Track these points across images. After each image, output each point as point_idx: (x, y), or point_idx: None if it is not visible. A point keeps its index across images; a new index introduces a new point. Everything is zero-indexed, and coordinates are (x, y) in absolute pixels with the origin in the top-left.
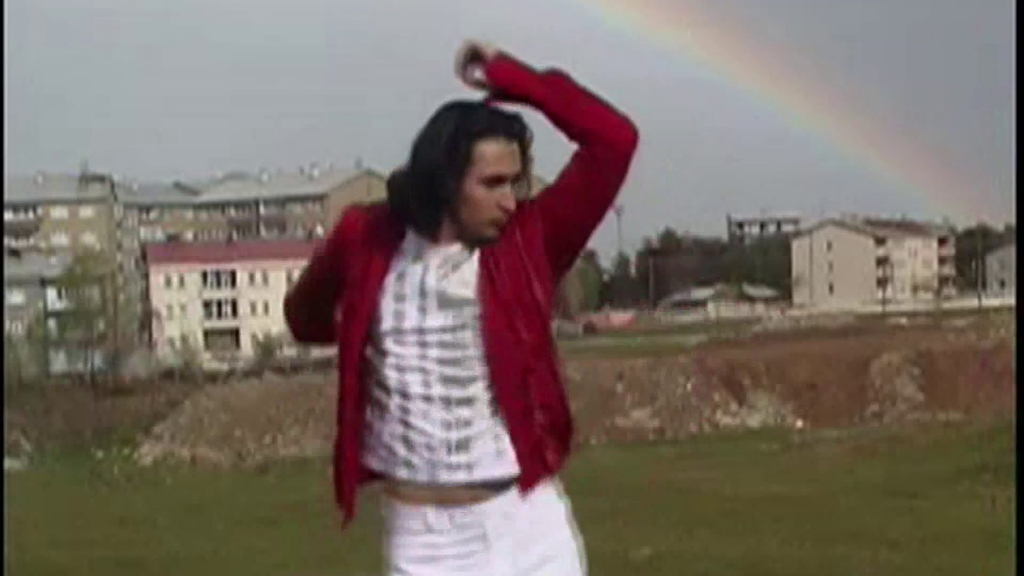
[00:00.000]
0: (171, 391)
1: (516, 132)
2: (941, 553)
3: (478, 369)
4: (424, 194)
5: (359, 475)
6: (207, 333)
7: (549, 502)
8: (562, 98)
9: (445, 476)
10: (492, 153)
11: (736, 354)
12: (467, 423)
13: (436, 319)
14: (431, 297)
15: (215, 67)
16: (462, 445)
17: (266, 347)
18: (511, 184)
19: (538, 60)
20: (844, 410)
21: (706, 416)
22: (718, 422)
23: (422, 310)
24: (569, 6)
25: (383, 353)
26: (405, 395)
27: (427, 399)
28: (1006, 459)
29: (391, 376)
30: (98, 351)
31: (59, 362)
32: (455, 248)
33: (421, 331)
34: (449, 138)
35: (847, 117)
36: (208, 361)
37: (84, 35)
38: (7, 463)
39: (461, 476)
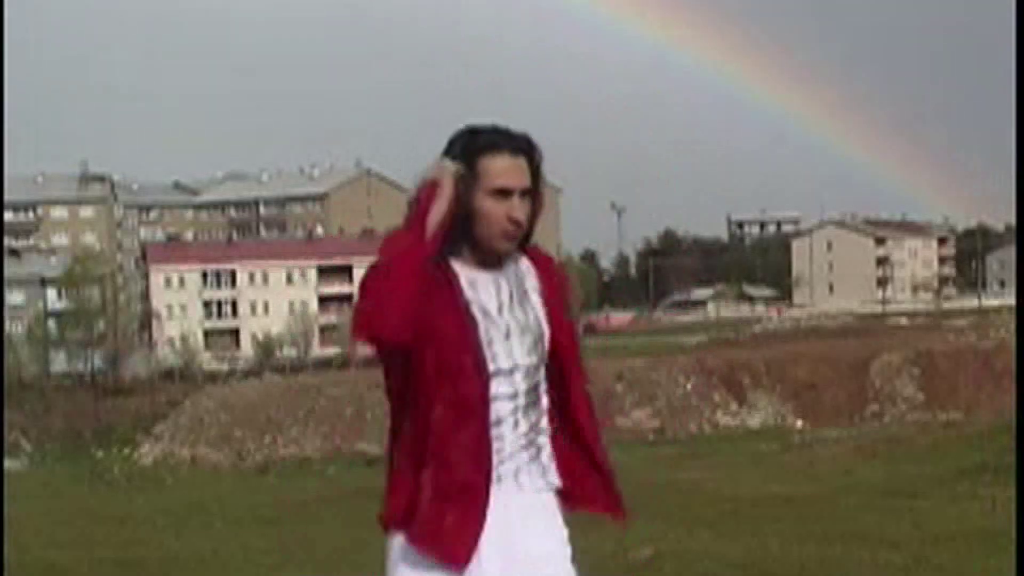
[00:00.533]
0: (171, 391)
1: (522, 148)
2: (941, 553)
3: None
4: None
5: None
6: (207, 333)
7: (546, 514)
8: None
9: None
10: (497, 167)
11: (736, 354)
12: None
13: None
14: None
15: (215, 67)
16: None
17: (266, 347)
18: (521, 197)
19: (538, 60)
20: (844, 410)
21: (706, 416)
22: (718, 422)
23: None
24: (568, 6)
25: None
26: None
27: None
28: (1006, 459)
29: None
30: (98, 351)
31: (59, 362)
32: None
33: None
34: (457, 158)
35: (847, 117)
36: (208, 361)
37: (84, 35)
38: (7, 463)
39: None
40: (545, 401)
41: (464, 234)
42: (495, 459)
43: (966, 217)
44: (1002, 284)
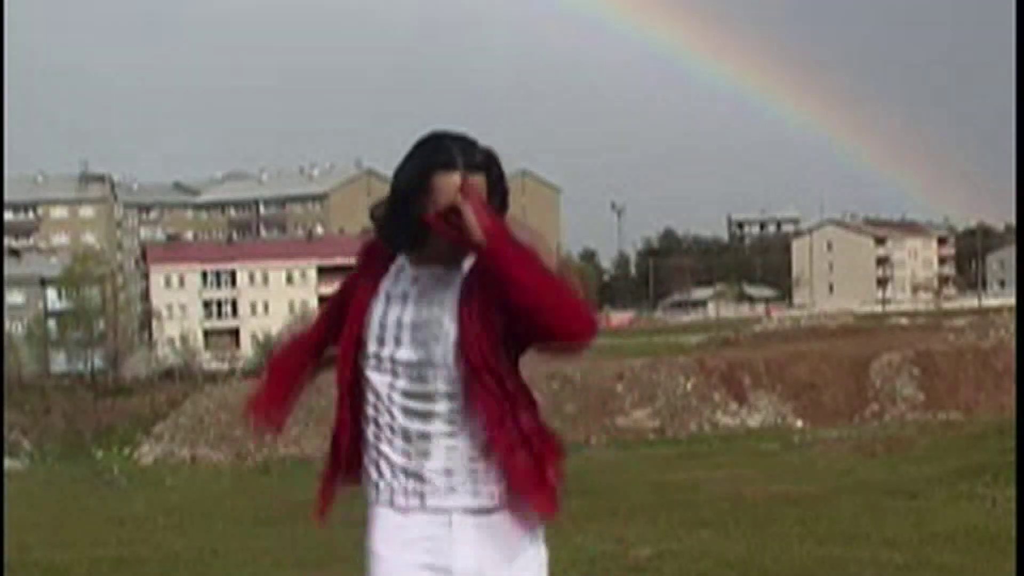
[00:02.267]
0: (171, 391)
1: (477, 165)
2: (941, 553)
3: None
4: (395, 220)
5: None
6: (207, 333)
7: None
8: (542, 297)
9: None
10: (448, 185)
11: (736, 354)
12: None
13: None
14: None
15: (215, 67)
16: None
17: (266, 347)
18: None
19: (538, 60)
20: (844, 410)
21: (706, 416)
22: (718, 422)
23: (397, 341)
24: (569, 6)
25: (364, 377)
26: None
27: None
28: (1006, 459)
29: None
30: (98, 351)
31: (59, 362)
32: (431, 271)
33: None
34: (412, 169)
35: (848, 117)
36: (208, 361)
37: (84, 35)
38: (7, 463)
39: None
40: (453, 421)
41: (420, 238)
42: (375, 464)
43: (966, 217)
44: (1002, 284)
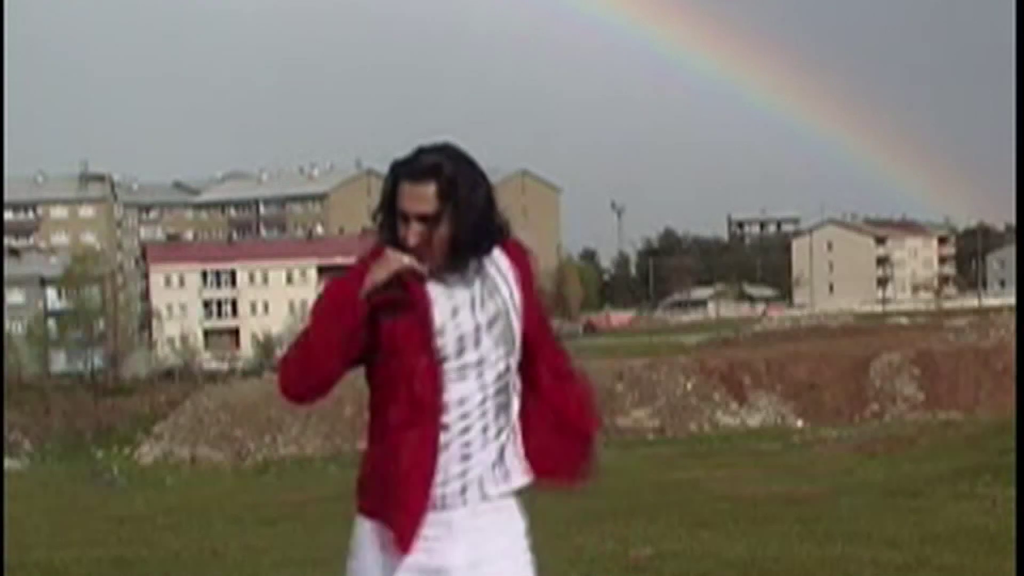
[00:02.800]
0: (171, 391)
1: (424, 174)
2: (941, 553)
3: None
4: (384, 229)
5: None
6: (207, 333)
7: (513, 508)
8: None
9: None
10: (400, 192)
11: (736, 354)
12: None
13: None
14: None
15: (215, 67)
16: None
17: (266, 347)
18: (420, 221)
19: (538, 60)
20: (844, 410)
21: (706, 415)
22: (718, 421)
23: (477, 343)
24: (568, 6)
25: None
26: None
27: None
28: (1006, 459)
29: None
30: (98, 351)
31: (59, 362)
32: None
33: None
34: (385, 179)
35: (848, 117)
36: (208, 361)
37: (84, 35)
38: (7, 463)
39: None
40: (516, 402)
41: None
42: (459, 466)
43: (966, 217)
44: (1002, 284)
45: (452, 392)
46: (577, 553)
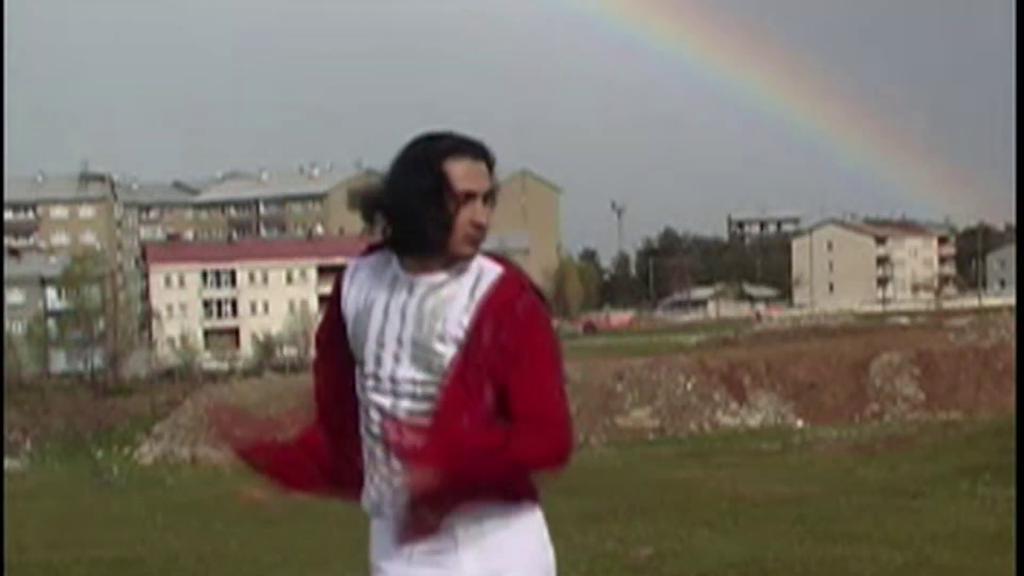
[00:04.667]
0: (171, 391)
1: (482, 153)
2: (941, 553)
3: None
4: (406, 220)
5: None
6: (207, 333)
7: (522, 513)
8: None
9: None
10: (461, 171)
11: (736, 353)
12: None
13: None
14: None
15: (215, 67)
16: None
17: (266, 347)
18: (483, 201)
19: (538, 60)
20: (844, 410)
21: (706, 415)
22: (718, 421)
23: (396, 358)
24: (569, 7)
25: (366, 397)
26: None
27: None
28: (1006, 459)
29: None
30: (98, 351)
31: (59, 362)
32: (440, 277)
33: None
34: (419, 162)
35: (848, 117)
36: (208, 361)
37: (84, 35)
38: (7, 463)
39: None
40: None
41: (422, 238)
42: (379, 480)
43: (966, 217)
44: (1002, 284)
45: (371, 404)
46: (577, 553)
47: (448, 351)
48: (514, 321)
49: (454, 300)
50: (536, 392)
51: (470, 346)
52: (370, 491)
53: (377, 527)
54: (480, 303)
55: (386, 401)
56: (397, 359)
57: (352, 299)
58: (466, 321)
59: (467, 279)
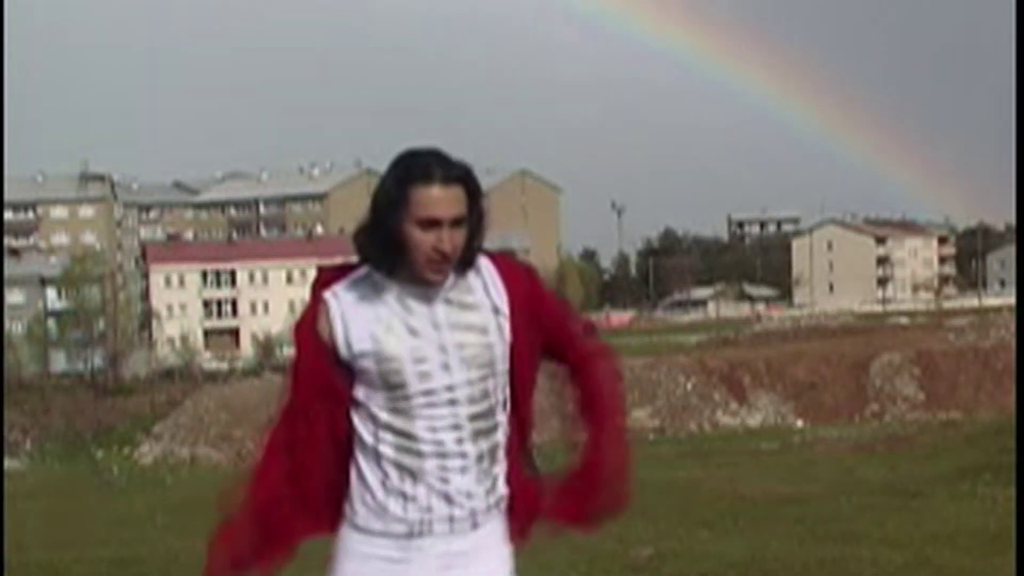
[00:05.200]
0: (171, 391)
1: (455, 177)
2: (941, 553)
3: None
4: (376, 238)
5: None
6: (207, 333)
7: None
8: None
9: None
10: (425, 197)
11: (736, 353)
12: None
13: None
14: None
15: (215, 67)
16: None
17: (266, 346)
18: (452, 227)
19: (538, 60)
20: (844, 409)
21: (706, 415)
22: (718, 421)
23: (446, 367)
24: (569, 6)
25: (411, 417)
26: (443, 454)
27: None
28: (1006, 459)
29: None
30: (98, 351)
31: (59, 362)
32: (445, 283)
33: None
34: (391, 184)
35: (848, 117)
36: (208, 361)
37: (84, 35)
38: (7, 463)
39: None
40: (502, 430)
41: (400, 258)
42: (439, 490)
43: (966, 216)
44: (1002, 283)
45: (420, 420)
46: (577, 553)
47: (493, 340)
48: (535, 286)
49: (473, 292)
50: (579, 333)
51: (515, 324)
52: (408, 513)
53: (398, 549)
54: (503, 287)
55: (444, 412)
56: (447, 367)
57: (357, 331)
58: (503, 306)
59: (472, 275)
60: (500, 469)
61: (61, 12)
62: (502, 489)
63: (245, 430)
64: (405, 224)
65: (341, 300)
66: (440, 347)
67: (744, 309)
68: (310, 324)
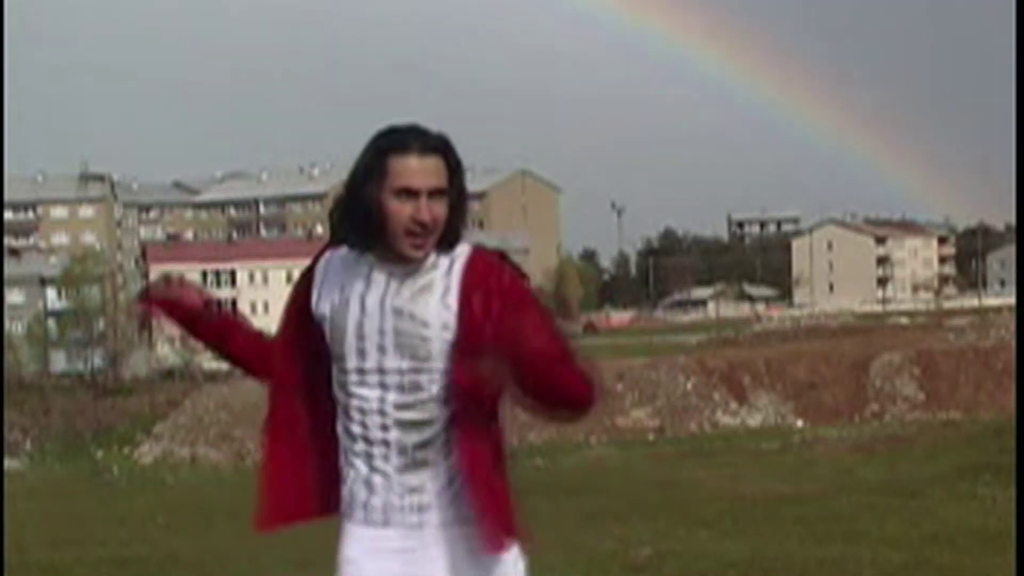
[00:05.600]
0: (171, 391)
1: (434, 147)
2: (941, 553)
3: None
4: (352, 211)
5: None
6: None
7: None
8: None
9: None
10: (403, 166)
11: (736, 353)
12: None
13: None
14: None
15: (215, 67)
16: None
17: None
18: (431, 198)
19: (538, 60)
20: (844, 409)
21: (706, 415)
22: (718, 421)
23: (381, 349)
24: (569, 6)
25: (347, 393)
26: (368, 439)
27: (385, 443)
28: (1006, 459)
29: (355, 418)
30: (98, 351)
31: (59, 362)
32: (413, 267)
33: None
34: (368, 155)
35: (848, 117)
36: (208, 361)
37: (84, 35)
38: (7, 463)
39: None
40: (440, 429)
41: (377, 233)
42: (364, 483)
43: (966, 216)
44: (1002, 284)
45: (354, 399)
46: (577, 553)
47: (435, 335)
48: (500, 288)
49: (432, 286)
50: (548, 336)
51: (463, 325)
52: (357, 492)
53: (358, 528)
54: (462, 281)
55: (372, 394)
56: (382, 350)
57: (326, 295)
58: (452, 302)
59: (443, 262)
60: (438, 468)
61: (61, 12)
62: (446, 491)
63: (245, 430)
64: (382, 195)
65: (327, 266)
66: (380, 329)
67: (744, 309)
68: (304, 281)
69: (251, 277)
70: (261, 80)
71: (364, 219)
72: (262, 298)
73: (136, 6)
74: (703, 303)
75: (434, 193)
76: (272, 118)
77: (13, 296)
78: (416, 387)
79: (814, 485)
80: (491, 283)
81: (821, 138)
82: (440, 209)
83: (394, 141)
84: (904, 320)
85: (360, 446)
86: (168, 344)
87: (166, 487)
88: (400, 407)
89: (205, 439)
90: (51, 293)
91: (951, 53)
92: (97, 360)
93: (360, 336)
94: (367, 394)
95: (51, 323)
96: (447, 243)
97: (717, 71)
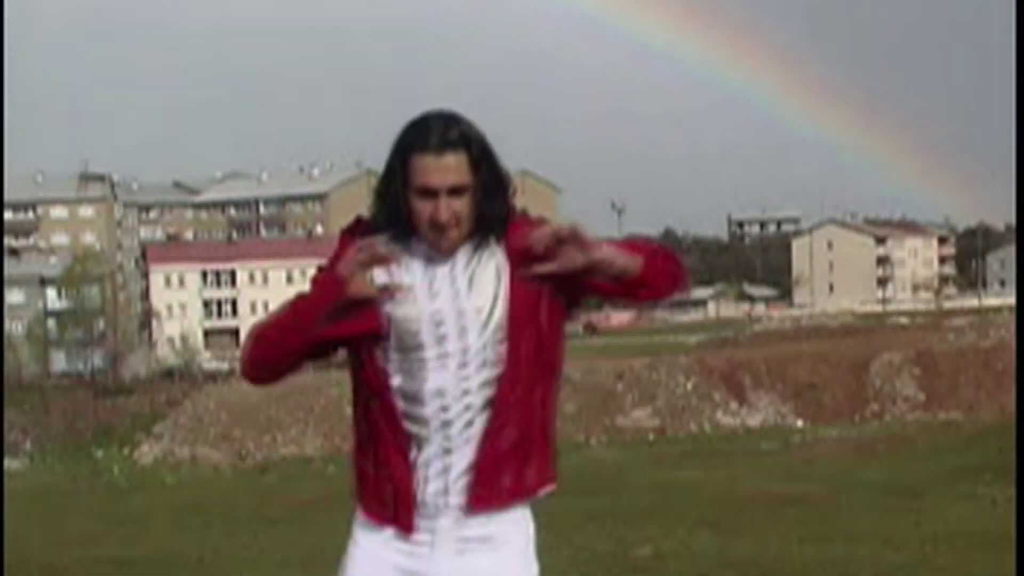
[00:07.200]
0: (171, 391)
1: (451, 143)
2: (941, 553)
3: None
4: (385, 208)
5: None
6: (207, 333)
7: (511, 520)
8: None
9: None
10: (421, 165)
11: (736, 353)
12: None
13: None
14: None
15: (215, 67)
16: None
17: None
18: (452, 195)
19: (538, 59)
20: (844, 409)
21: (706, 415)
22: (718, 421)
23: (462, 330)
24: (569, 6)
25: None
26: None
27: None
28: (1006, 459)
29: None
30: (98, 351)
31: (59, 362)
32: (469, 245)
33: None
34: (392, 151)
35: (848, 117)
36: (208, 361)
37: (84, 35)
38: (7, 463)
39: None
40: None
41: (402, 218)
42: (439, 463)
43: (966, 216)
44: (1002, 283)
45: (429, 383)
46: (577, 553)
47: (501, 308)
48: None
49: (492, 260)
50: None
51: (514, 290)
52: (416, 489)
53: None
54: (508, 254)
55: (452, 376)
56: (463, 331)
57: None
58: (504, 273)
59: (491, 241)
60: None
61: (61, 12)
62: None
63: (245, 430)
64: (408, 192)
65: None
66: (458, 311)
67: (744, 309)
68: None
69: (251, 277)
70: (261, 80)
71: (397, 215)
72: (262, 298)
73: (136, 6)
74: (703, 303)
75: (454, 191)
76: (272, 118)
77: (13, 296)
78: (494, 363)
79: (814, 485)
80: (518, 249)
81: (821, 138)
82: (460, 206)
83: (413, 137)
84: (904, 320)
85: (426, 432)
86: (168, 344)
87: (166, 487)
88: (483, 385)
89: (205, 439)
90: (51, 293)
91: (951, 53)
92: (97, 360)
93: (437, 321)
94: (445, 378)
95: (51, 323)
96: (488, 229)
97: (718, 71)
